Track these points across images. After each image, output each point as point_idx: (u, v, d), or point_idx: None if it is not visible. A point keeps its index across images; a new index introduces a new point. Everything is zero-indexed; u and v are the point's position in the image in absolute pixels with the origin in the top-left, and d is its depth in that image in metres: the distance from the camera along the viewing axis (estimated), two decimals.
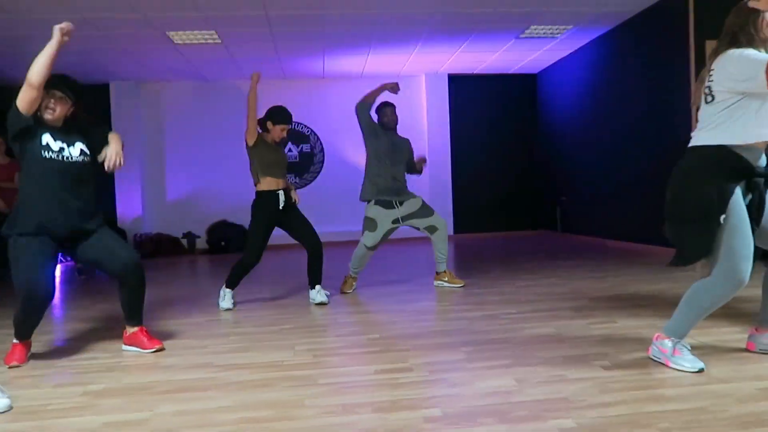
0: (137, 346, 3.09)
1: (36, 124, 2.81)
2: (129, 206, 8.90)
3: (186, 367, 2.79)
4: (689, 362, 2.38)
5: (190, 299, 4.73)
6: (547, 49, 8.27)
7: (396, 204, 4.56)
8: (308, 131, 9.54)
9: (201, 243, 9.12)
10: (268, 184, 4.12)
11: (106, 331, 3.61)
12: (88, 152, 2.95)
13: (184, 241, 9.14)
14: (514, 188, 9.68)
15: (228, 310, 4.13)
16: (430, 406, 2.14)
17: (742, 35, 2.32)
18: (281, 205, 4.12)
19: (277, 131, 4.18)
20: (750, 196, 2.34)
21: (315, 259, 4.24)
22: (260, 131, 4.21)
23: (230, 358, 2.91)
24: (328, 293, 4.31)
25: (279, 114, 4.18)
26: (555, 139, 9.18)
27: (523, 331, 3.19)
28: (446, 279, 4.71)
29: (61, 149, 2.85)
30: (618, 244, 7.21)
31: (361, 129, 4.60)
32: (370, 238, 4.54)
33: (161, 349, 3.09)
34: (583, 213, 8.29)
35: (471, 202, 9.54)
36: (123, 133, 3.43)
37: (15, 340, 2.96)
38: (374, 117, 4.66)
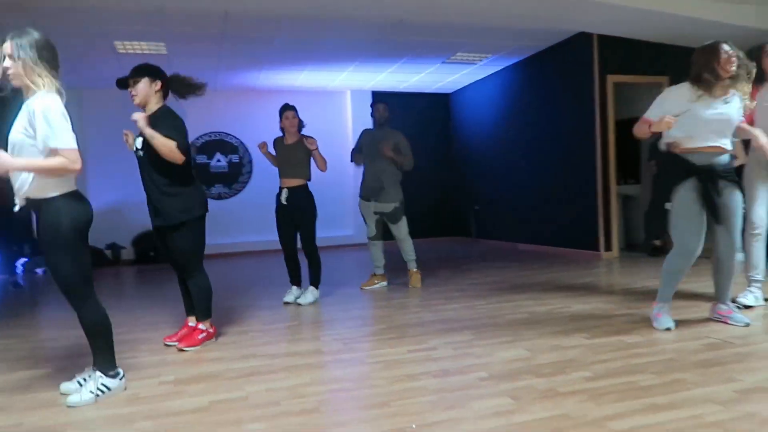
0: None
1: None
2: None
3: (236, 359, 3.12)
4: (662, 323, 3.23)
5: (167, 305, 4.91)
6: (464, 73, 9.19)
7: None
8: (237, 142, 9.72)
9: (127, 254, 8.97)
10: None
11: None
12: None
13: (109, 253, 8.94)
14: (431, 198, 10.48)
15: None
16: (474, 371, 2.70)
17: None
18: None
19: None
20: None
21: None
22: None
23: (268, 350, 3.28)
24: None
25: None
26: (468, 153, 10.12)
27: (505, 317, 3.86)
28: (374, 282, 5.35)
29: None
30: (528, 247, 8.21)
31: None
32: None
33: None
34: (495, 220, 9.27)
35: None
36: None
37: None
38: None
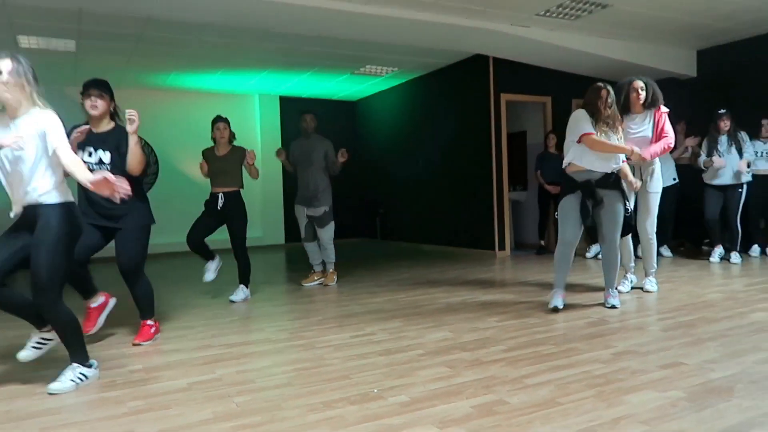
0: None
1: None
2: None
3: (193, 349, 3.41)
4: (552, 302, 4.02)
5: None
6: (370, 84, 9.77)
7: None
8: (143, 142, 9.56)
9: None
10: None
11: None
12: None
13: None
14: (338, 201, 10.91)
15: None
16: (412, 350, 3.22)
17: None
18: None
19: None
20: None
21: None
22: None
23: (221, 341, 3.59)
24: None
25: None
26: (373, 158, 10.72)
27: (425, 306, 4.43)
28: (314, 279, 5.78)
29: None
30: (430, 247, 8.93)
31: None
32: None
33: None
34: (399, 222, 9.94)
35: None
36: None
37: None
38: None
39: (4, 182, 2.67)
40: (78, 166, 2.61)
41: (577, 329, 3.57)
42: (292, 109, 10.58)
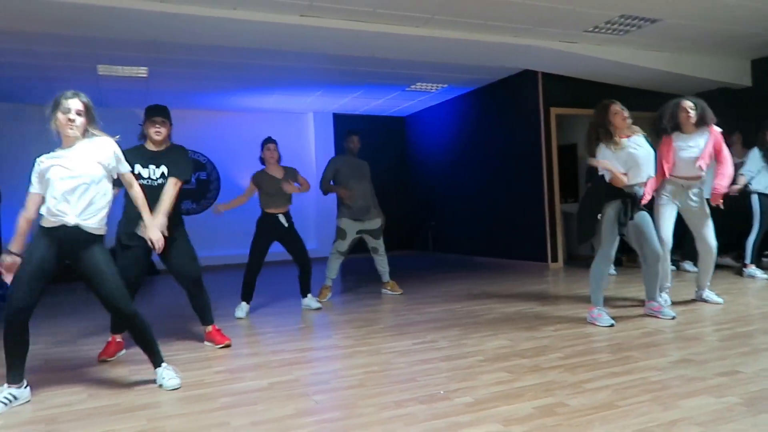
0: (212, 341, 3.90)
1: None
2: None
3: (268, 353, 3.69)
4: (605, 321, 4.01)
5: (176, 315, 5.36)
6: (420, 99, 10.03)
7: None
8: (205, 160, 10.12)
9: None
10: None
11: None
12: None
13: None
14: (389, 214, 11.15)
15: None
16: (473, 356, 3.40)
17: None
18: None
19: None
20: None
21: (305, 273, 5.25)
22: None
23: (293, 346, 3.86)
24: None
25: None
26: (423, 172, 10.95)
27: (482, 316, 4.60)
28: (389, 287, 5.96)
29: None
30: (482, 259, 9.06)
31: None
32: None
33: (229, 345, 3.90)
34: (451, 235, 10.11)
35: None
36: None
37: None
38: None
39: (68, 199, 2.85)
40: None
41: (633, 339, 3.67)
42: (344, 125, 10.94)
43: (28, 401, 2.87)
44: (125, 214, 3.70)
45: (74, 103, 2.89)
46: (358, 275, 7.95)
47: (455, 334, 3.99)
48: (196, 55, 6.70)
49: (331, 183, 5.81)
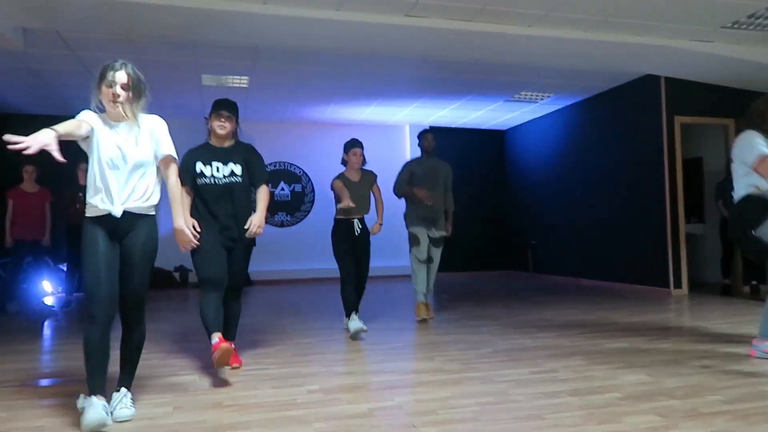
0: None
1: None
2: None
3: (365, 373, 3.32)
4: None
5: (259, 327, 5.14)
6: (524, 111, 9.46)
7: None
8: (300, 172, 10.08)
9: (194, 276, 9.27)
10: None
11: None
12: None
13: (177, 275, 9.26)
14: (484, 231, 10.66)
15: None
16: (607, 391, 2.85)
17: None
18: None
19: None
20: None
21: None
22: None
23: (391, 367, 3.47)
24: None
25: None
26: (524, 188, 10.33)
27: (605, 345, 4.00)
28: (429, 312, 5.24)
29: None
30: (591, 282, 8.28)
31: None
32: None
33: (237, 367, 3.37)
34: (554, 255, 9.39)
35: (446, 243, 10.41)
36: None
37: (213, 340, 3.31)
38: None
39: (111, 182, 2.54)
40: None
41: None
42: (442, 138, 10.53)
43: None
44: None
45: (120, 76, 2.55)
46: (452, 293, 7.48)
47: (579, 364, 3.44)
48: (296, 62, 6.59)
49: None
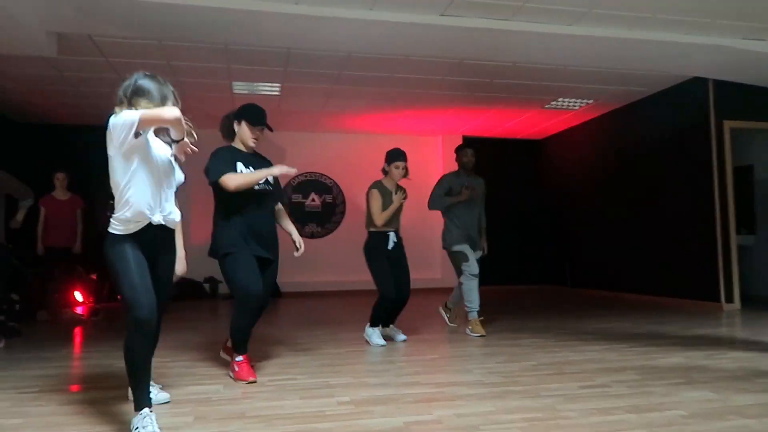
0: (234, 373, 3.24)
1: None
2: None
3: (399, 385, 3.08)
4: None
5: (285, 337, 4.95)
6: (560, 119, 9.15)
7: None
8: (331, 182, 9.94)
9: (224, 288, 9.17)
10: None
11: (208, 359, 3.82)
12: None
13: (207, 286, 9.17)
14: (519, 245, 10.30)
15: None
16: (669, 409, 2.56)
17: None
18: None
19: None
20: None
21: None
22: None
23: (427, 379, 3.23)
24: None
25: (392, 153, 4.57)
26: (560, 199, 9.98)
27: (659, 359, 3.68)
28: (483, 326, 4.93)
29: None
30: (635, 297, 7.83)
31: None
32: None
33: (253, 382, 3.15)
34: (592, 269, 9.00)
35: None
36: None
37: (239, 358, 3.18)
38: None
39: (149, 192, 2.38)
40: None
41: None
42: (475, 149, 10.32)
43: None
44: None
45: None
46: (489, 305, 7.17)
47: (633, 380, 3.14)
48: (328, 67, 6.45)
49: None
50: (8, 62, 5.89)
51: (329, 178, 9.95)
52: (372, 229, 4.51)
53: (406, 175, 4.52)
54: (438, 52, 5.86)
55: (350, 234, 9.67)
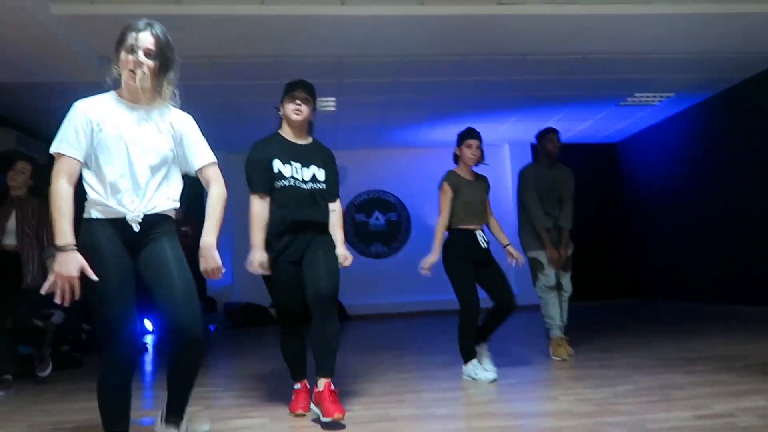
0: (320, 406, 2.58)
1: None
2: None
3: (473, 416, 2.62)
4: None
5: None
6: (639, 117, 8.41)
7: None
8: (395, 200, 9.60)
9: None
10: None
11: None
12: None
13: (273, 311, 8.98)
14: (596, 257, 9.47)
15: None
16: None
17: None
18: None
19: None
20: None
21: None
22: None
23: (504, 408, 2.75)
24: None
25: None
26: (640, 206, 9.17)
27: None
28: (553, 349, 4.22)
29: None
30: (724, 309, 6.89)
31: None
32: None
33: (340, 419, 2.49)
34: (674, 279, 8.15)
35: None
36: None
37: (297, 386, 2.84)
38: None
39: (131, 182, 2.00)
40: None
41: None
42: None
43: None
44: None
45: (145, 38, 1.97)
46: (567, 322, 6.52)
47: (763, 406, 2.53)
48: (381, 75, 6.15)
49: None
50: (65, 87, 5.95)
51: (392, 195, 9.61)
52: (454, 227, 3.72)
53: (481, 158, 3.90)
54: (497, 47, 5.42)
55: (417, 252, 9.16)
